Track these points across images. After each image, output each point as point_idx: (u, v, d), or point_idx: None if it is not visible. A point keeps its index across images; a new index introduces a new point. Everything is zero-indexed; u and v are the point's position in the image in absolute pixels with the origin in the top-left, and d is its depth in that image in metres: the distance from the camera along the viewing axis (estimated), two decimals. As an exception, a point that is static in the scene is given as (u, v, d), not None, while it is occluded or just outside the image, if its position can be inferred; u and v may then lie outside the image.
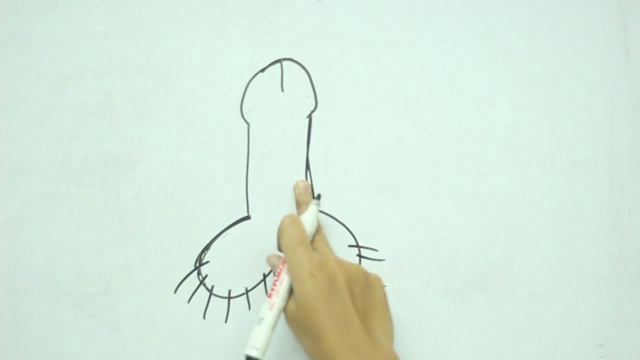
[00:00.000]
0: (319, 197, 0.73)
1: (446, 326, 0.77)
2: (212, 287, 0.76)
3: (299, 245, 0.67)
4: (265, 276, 0.77)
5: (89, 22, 0.77)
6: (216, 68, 0.77)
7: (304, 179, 0.77)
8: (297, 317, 0.64)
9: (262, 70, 0.78)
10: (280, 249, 0.70)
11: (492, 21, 0.80)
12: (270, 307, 0.66)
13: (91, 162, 0.76)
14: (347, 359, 0.59)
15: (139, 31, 0.77)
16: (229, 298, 0.76)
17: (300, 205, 0.74)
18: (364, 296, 0.66)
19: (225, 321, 0.76)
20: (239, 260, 0.77)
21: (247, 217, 0.77)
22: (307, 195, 0.75)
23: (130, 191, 0.76)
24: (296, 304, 0.65)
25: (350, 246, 0.77)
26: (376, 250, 0.77)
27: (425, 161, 0.78)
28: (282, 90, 0.77)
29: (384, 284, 0.77)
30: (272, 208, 0.77)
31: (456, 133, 0.79)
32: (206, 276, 0.76)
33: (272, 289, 0.67)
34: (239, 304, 0.76)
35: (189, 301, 0.76)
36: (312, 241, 0.71)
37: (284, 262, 0.69)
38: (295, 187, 0.75)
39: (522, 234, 0.79)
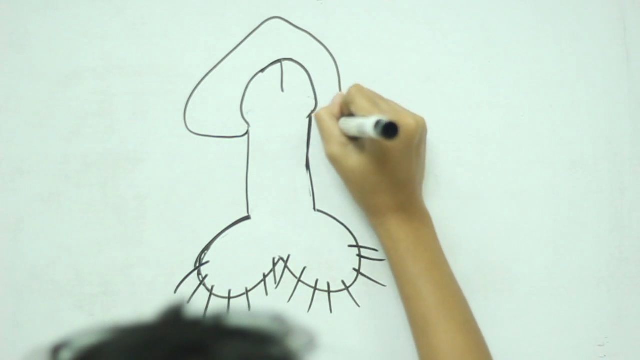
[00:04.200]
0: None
1: (446, 326, 0.77)
2: (212, 287, 0.76)
3: (380, 100, 0.69)
4: (265, 276, 0.77)
5: (89, 22, 0.77)
6: (216, 68, 0.77)
7: (304, 179, 0.77)
8: (361, 170, 0.66)
9: (262, 70, 0.77)
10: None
11: (492, 21, 0.80)
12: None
13: (91, 162, 0.76)
14: (392, 214, 0.68)
15: (139, 31, 0.77)
16: (229, 298, 0.76)
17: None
18: (419, 150, 0.69)
19: (225, 321, 0.76)
20: (239, 260, 0.77)
21: (247, 217, 0.77)
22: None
23: (130, 191, 0.76)
24: (365, 158, 0.66)
25: (350, 246, 0.76)
26: (376, 250, 0.77)
27: (426, 161, 0.78)
28: (282, 90, 0.77)
29: (384, 284, 0.77)
30: (272, 208, 0.77)
31: (456, 133, 0.79)
32: (206, 276, 0.76)
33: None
34: (239, 304, 0.76)
35: (188, 301, 0.76)
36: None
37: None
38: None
39: (522, 234, 0.79)
